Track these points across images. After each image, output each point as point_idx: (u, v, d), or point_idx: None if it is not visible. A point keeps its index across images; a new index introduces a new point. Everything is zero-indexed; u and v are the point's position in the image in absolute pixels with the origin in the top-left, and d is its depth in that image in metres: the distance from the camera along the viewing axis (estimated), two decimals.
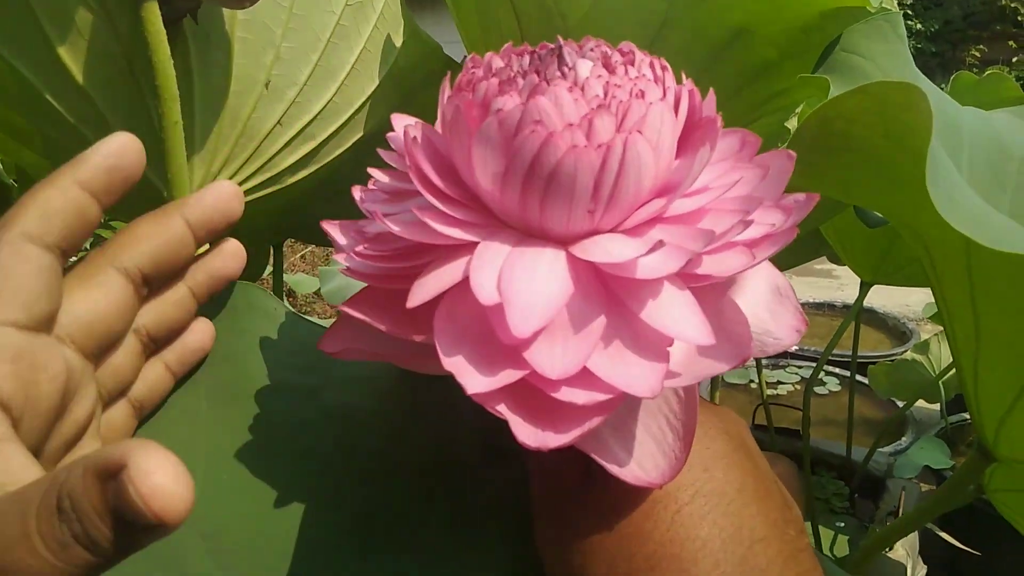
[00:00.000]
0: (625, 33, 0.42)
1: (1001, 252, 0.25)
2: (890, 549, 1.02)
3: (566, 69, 0.21)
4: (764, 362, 2.14)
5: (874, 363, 1.49)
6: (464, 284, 0.20)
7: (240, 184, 0.41)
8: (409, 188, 0.24)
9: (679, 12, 0.40)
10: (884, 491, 1.14)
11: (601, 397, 0.19)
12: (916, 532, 1.05)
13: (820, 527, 1.11)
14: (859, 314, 1.16)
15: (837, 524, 1.11)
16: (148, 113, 0.37)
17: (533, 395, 0.20)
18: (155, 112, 0.35)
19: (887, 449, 1.54)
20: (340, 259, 0.23)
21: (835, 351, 0.97)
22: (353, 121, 0.46)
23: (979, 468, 0.38)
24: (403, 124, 0.25)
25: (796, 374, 2.05)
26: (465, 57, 0.54)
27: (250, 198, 0.43)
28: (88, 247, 1.73)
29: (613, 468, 0.21)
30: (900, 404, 1.50)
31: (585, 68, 0.21)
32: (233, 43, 0.37)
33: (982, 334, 0.34)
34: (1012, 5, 7.56)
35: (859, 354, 1.86)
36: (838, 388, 1.94)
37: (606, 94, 0.20)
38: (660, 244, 0.20)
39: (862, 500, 1.17)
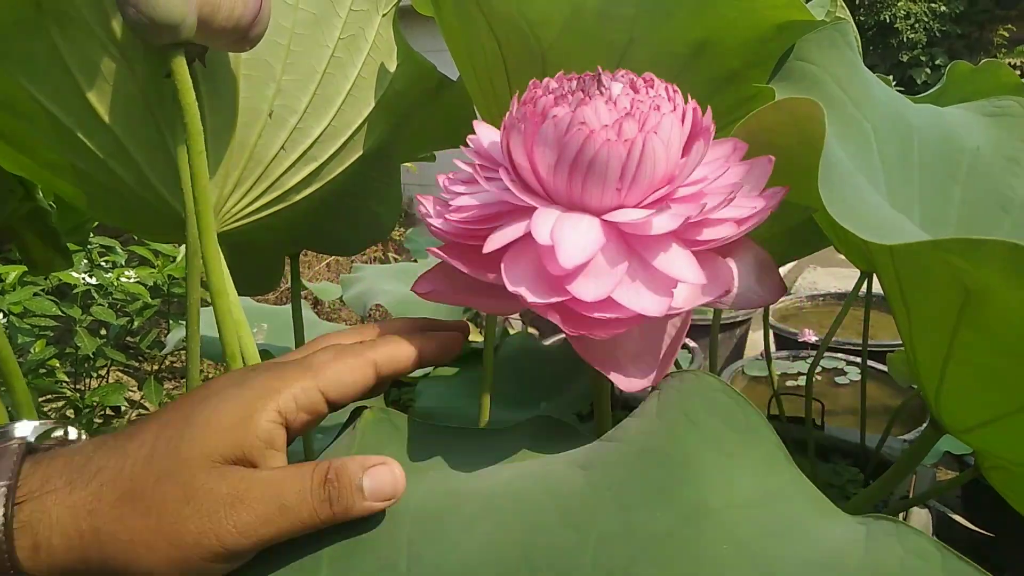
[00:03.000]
0: (595, 52, 0.45)
1: (909, 243, 0.28)
2: None
3: (604, 89, 0.29)
4: (785, 354, 2.15)
5: (892, 350, 1.50)
6: (527, 237, 0.28)
7: (250, 204, 0.45)
8: (488, 175, 0.32)
9: (643, 32, 0.44)
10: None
11: (621, 316, 0.27)
12: (928, 516, 1.06)
13: None
14: (869, 302, 1.18)
15: None
16: (164, 143, 0.41)
17: (571, 313, 0.28)
18: (172, 142, 0.40)
19: (908, 436, 1.55)
20: (431, 223, 0.31)
21: (855, 340, 0.99)
22: (352, 142, 0.50)
23: (930, 439, 0.41)
24: (486, 132, 0.35)
25: (820, 365, 2.06)
26: (459, 78, 0.58)
27: (261, 215, 0.47)
28: (112, 261, 1.76)
29: (615, 377, 0.29)
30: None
31: (617, 88, 0.30)
32: (239, 79, 0.42)
33: (912, 313, 0.37)
34: None
35: (879, 342, 1.86)
36: (859, 377, 1.94)
37: (632, 106, 0.28)
38: (666, 207, 0.28)
39: None
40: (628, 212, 0.29)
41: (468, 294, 0.31)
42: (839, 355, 2.05)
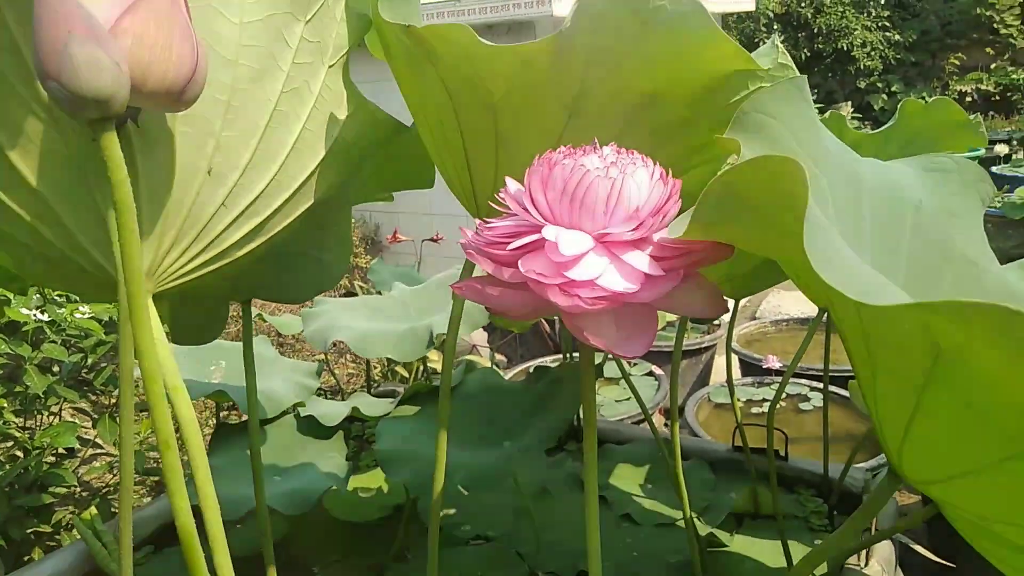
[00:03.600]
0: (546, 103, 0.45)
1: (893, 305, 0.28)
2: (865, 565, 1.04)
3: (598, 150, 0.39)
4: (750, 380, 2.16)
5: (853, 377, 1.52)
6: (539, 241, 0.37)
7: (189, 262, 0.44)
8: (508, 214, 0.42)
9: (591, 84, 0.43)
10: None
11: (602, 293, 0.36)
12: (892, 547, 1.06)
13: (800, 544, 1.12)
14: (830, 328, 1.19)
15: (816, 542, 1.13)
16: (96, 205, 0.40)
17: (569, 292, 0.36)
18: (103, 205, 0.39)
19: (869, 464, 1.56)
20: (468, 244, 0.40)
21: (819, 365, 1.00)
22: (299, 194, 0.49)
23: (889, 489, 0.41)
24: (512, 183, 0.43)
25: (782, 394, 2.07)
26: (413, 124, 0.57)
27: (202, 272, 0.46)
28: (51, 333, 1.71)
29: (591, 338, 0.37)
30: None
31: (607, 149, 0.39)
32: (175, 137, 0.40)
33: (878, 368, 0.37)
34: (987, 13, 7.68)
35: (840, 367, 1.87)
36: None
37: (617, 159, 0.38)
38: (635, 229, 0.38)
39: (840, 517, 1.19)
40: (610, 230, 0.38)
41: (489, 291, 0.40)
42: (803, 381, 2.07)
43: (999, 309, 0.25)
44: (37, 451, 1.52)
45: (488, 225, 0.41)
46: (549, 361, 2.13)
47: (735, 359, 2.31)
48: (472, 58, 0.42)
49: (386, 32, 0.47)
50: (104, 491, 1.75)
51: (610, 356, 1.23)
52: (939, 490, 0.40)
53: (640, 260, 0.38)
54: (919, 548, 1.09)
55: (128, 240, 0.33)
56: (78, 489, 1.76)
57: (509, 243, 0.38)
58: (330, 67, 0.48)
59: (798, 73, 0.49)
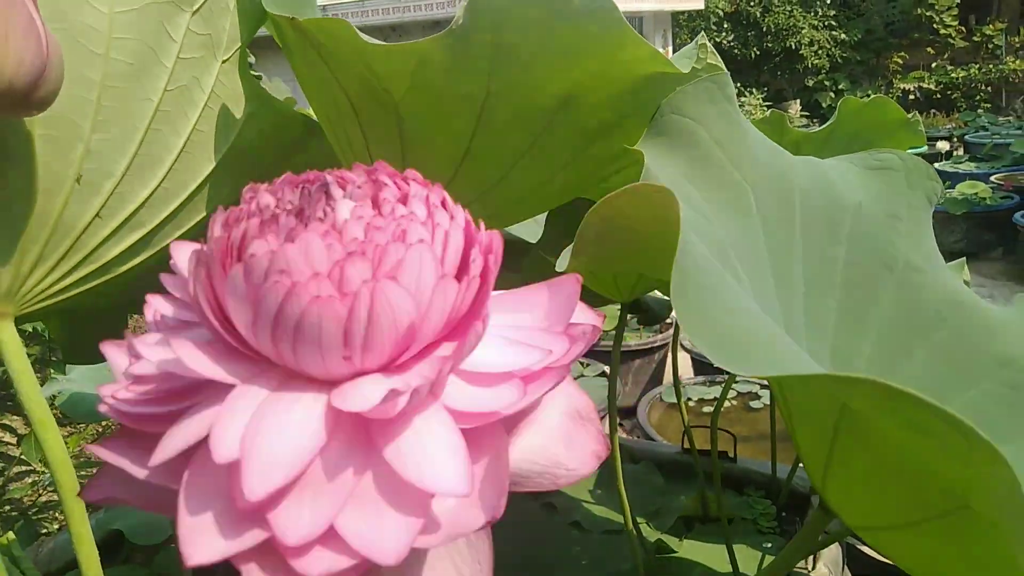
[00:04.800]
0: (450, 106, 0.42)
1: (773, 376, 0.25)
2: (812, 568, 1.03)
3: (329, 208, 0.21)
4: (702, 379, 2.17)
5: None
6: (203, 450, 0.19)
7: (60, 279, 0.39)
8: (194, 319, 0.23)
9: (501, 85, 0.40)
10: (810, 508, 1.16)
11: (344, 563, 0.18)
12: (839, 550, 1.06)
13: (748, 548, 1.11)
14: None
15: (765, 545, 1.12)
16: None
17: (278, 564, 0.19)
18: None
19: None
20: (102, 392, 0.22)
21: None
22: (192, 203, 0.45)
23: (820, 522, 0.38)
24: (186, 252, 0.24)
25: (733, 389, 2.08)
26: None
27: (78, 290, 0.41)
28: None
29: None
30: None
31: (346, 209, 0.21)
32: (34, 142, 0.36)
33: (791, 408, 0.35)
34: (927, 14, 7.90)
35: None
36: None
37: (366, 235, 0.20)
38: (394, 393, 0.19)
39: (789, 517, 1.18)
40: (365, 385, 0.21)
41: (164, 499, 0.21)
42: (753, 379, 2.08)
43: (876, 384, 0.20)
44: None
45: (134, 366, 0.22)
46: None
47: (688, 358, 2.31)
48: (364, 56, 0.38)
49: (280, 24, 0.43)
50: (32, 511, 1.67)
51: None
52: (867, 536, 0.36)
53: (435, 464, 0.20)
54: (866, 549, 1.08)
55: None
56: (8, 508, 1.68)
57: (173, 413, 0.21)
58: (224, 62, 0.44)
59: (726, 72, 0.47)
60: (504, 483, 0.20)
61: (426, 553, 0.21)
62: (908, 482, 0.29)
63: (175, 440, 0.20)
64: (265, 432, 0.19)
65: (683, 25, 8.19)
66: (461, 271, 0.22)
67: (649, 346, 2.43)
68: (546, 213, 0.62)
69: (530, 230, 0.72)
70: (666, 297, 1.08)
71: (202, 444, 0.19)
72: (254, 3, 0.44)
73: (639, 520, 0.98)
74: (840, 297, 0.43)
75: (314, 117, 0.52)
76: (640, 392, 2.32)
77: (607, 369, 2.29)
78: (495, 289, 0.24)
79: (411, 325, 0.21)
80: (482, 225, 0.23)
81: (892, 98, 0.91)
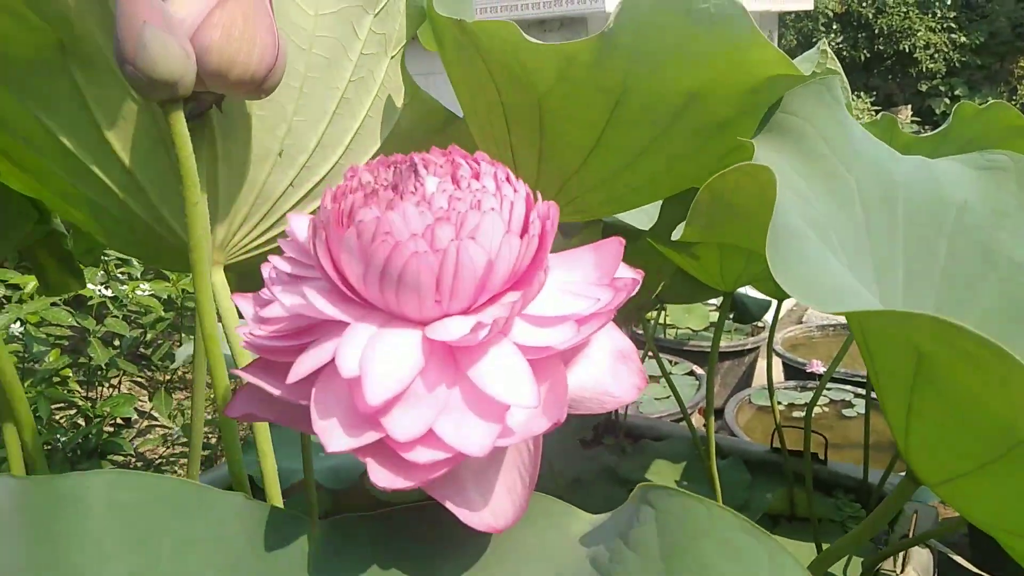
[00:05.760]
0: (590, 99, 0.47)
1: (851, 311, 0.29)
2: (901, 572, 1.03)
3: (418, 184, 0.26)
4: (793, 384, 2.15)
5: None
6: (329, 368, 0.25)
7: (257, 237, 0.47)
8: (307, 274, 0.28)
9: (636, 81, 0.45)
10: (900, 514, 1.15)
11: (441, 456, 0.24)
12: (930, 556, 1.05)
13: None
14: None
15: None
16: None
17: (389, 456, 0.24)
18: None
19: None
20: (240, 332, 0.27)
21: (864, 373, 0.99)
22: None
23: (907, 489, 0.42)
24: (300, 222, 0.30)
25: (825, 395, 2.06)
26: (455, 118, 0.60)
27: (269, 247, 0.49)
28: (109, 277, 1.78)
29: (464, 514, 0.25)
30: None
31: (432, 184, 0.26)
32: (252, 120, 0.44)
33: (876, 365, 0.38)
34: None
35: None
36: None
37: (449, 206, 0.25)
38: (480, 325, 0.25)
39: None
40: (450, 323, 0.26)
41: (289, 415, 0.27)
42: (847, 387, 2.05)
43: (933, 320, 0.23)
44: (98, 420, 1.60)
45: (264, 309, 0.27)
46: None
47: (779, 363, 2.29)
48: (518, 54, 0.44)
49: (439, 25, 0.50)
50: (158, 462, 1.83)
51: (649, 355, 1.24)
52: (944, 491, 0.39)
53: (510, 384, 0.25)
54: (958, 558, 1.07)
55: (192, 214, 0.36)
56: (133, 459, 1.84)
57: (298, 346, 0.26)
58: (391, 58, 0.51)
59: (846, 79, 0.50)
60: (563, 399, 0.25)
61: (504, 452, 0.26)
62: (973, 425, 0.32)
63: (306, 363, 0.25)
64: (378, 356, 0.24)
65: (789, 25, 7.95)
66: (523, 232, 0.27)
67: (740, 348, 2.42)
68: (660, 203, 0.67)
69: (638, 219, 0.78)
70: (764, 296, 1.10)
71: (325, 368, 0.25)
72: (419, 7, 0.51)
73: None
74: (939, 287, 0.46)
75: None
76: (728, 393, 2.32)
77: (695, 368, 2.30)
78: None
79: (486, 274, 0.26)
80: (539, 196, 0.28)
81: (1016, 106, 0.90)
